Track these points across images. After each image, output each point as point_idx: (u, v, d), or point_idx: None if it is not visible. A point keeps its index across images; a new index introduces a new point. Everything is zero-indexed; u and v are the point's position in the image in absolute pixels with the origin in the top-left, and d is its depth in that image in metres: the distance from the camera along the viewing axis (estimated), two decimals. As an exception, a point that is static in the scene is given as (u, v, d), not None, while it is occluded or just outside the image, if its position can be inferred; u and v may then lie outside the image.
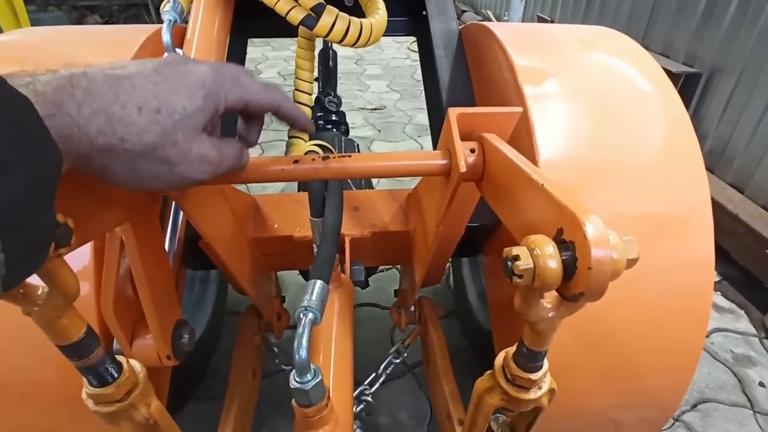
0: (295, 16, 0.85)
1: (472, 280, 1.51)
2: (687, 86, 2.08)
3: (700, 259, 0.71)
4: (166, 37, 0.78)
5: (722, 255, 1.81)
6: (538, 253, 0.33)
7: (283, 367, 1.05)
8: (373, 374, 1.00)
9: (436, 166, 0.55)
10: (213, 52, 0.92)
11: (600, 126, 0.76)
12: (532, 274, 0.32)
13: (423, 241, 0.77)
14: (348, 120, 1.48)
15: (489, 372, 0.50)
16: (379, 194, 0.94)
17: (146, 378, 0.46)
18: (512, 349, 0.46)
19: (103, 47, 0.86)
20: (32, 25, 2.82)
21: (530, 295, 0.36)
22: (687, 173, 0.74)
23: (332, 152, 0.80)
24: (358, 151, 1.33)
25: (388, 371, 1.02)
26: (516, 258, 0.33)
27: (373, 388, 0.97)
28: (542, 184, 0.38)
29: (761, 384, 1.38)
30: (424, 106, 1.20)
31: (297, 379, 0.48)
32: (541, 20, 3.56)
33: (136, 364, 0.45)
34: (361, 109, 3.34)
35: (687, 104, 2.13)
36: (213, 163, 0.38)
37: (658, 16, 2.39)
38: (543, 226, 0.37)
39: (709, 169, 2.04)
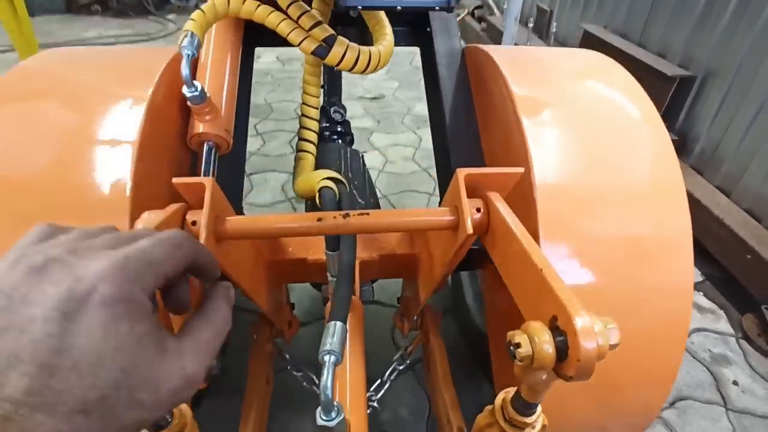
0: (307, 47, 0.88)
1: (469, 282, 1.59)
2: (681, 89, 2.12)
3: (679, 284, 0.79)
4: (185, 72, 0.82)
5: (706, 256, 1.90)
6: (536, 341, 0.39)
7: (294, 372, 1.13)
8: (379, 381, 1.08)
9: (445, 222, 0.61)
10: (225, 76, 0.96)
11: (591, 157, 0.83)
12: (531, 359, 0.39)
13: (428, 269, 0.83)
14: (347, 110, 1.49)
15: (488, 408, 0.57)
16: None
17: (192, 418, 0.53)
18: (511, 391, 0.53)
19: (125, 76, 0.89)
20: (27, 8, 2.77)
21: (528, 370, 0.42)
22: (670, 204, 0.81)
23: (344, 184, 0.85)
24: (363, 161, 1.38)
25: (392, 377, 1.09)
26: (518, 345, 0.39)
27: (379, 395, 1.05)
28: (541, 270, 0.44)
29: (735, 383, 1.49)
30: (423, 95, 1.25)
31: (323, 416, 0.54)
32: (540, 11, 3.55)
33: (184, 408, 0.52)
34: (360, 98, 3.35)
35: (680, 106, 2.19)
36: (197, 357, 0.32)
37: (657, 15, 2.40)
38: (539, 304, 0.44)
39: (699, 171, 2.11)
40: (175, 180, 0.56)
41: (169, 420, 0.50)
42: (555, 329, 0.40)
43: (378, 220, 0.59)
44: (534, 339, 0.39)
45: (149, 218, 0.53)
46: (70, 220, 0.60)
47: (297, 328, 1.21)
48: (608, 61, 1.06)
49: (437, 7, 0.71)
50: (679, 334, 0.81)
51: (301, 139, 1.19)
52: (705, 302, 1.78)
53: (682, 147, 2.20)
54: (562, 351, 0.39)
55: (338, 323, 0.60)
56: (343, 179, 0.86)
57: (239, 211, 1.01)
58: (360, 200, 1.24)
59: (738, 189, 1.92)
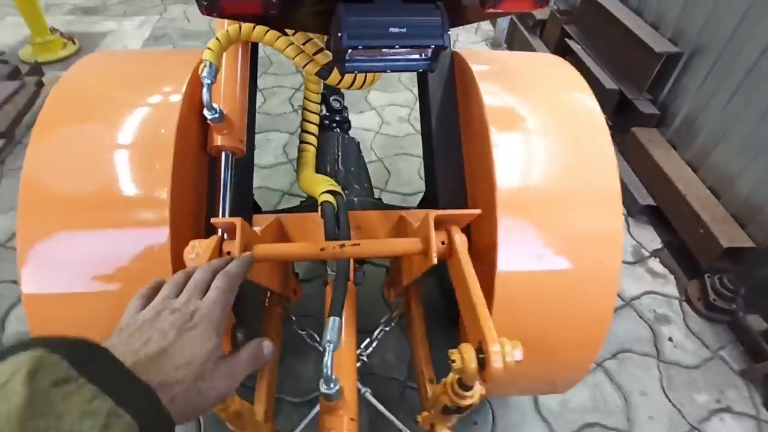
0: (311, 69, 1.02)
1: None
2: (667, 64, 2.20)
3: (607, 271, 0.99)
4: (206, 98, 0.96)
5: (668, 226, 2.11)
6: (466, 359, 0.60)
7: (299, 331, 1.37)
8: (368, 339, 1.33)
9: (417, 250, 0.80)
10: (236, 93, 1.08)
11: (546, 159, 1.00)
12: (462, 370, 0.60)
13: (408, 267, 1.04)
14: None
15: (443, 381, 0.80)
16: (376, 215, 1.18)
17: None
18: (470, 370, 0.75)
19: (157, 89, 1.01)
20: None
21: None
22: (604, 202, 0.99)
23: (341, 195, 1.02)
24: (358, 148, 1.53)
25: (379, 336, 1.34)
26: (453, 360, 0.60)
27: (368, 351, 1.30)
28: (476, 307, 0.64)
29: (670, 339, 1.76)
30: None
31: (324, 386, 0.77)
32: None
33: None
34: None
35: (666, 81, 2.28)
36: (231, 379, 0.49)
37: (657, -19, 2.40)
38: (473, 329, 0.65)
39: (674, 145, 2.25)
40: (213, 220, 0.74)
41: None
42: (479, 350, 0.61)
43: (365, 249, 0.78)
44: (464, 357, 0.60)
45: (197, 247, 0.73)
46: (121, 212, 0.86)
47: (301, 293, 1.43)
48: (561, 61, 1.19)
49: (420, 69, 0.83)
50: (604, 312, 1.03)
51: (303, 131, 1.34)
52: (659, 268, 2.02)
53: (662, 120, 2.32)
54: (482, 365, 0.60)
55: (336, 319, 0.80)
56: (340, 191, 1.03)
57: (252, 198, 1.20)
58: (356, 185, 1.42)
59: (706, 166, 2.08)
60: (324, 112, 1.52)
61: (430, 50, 0.73)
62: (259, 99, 2.83)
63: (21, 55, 3.16)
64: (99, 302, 0.88)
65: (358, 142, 1.54)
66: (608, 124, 2.47)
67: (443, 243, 0.78)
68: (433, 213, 0.77)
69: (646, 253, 2.07)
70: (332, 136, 1.46)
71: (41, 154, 0.92)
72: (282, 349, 1.46)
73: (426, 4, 0.71)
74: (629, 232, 2.17)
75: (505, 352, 0.60)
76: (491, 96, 1.05)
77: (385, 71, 0.82)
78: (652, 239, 2.14)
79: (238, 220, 0.74)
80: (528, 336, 1.00)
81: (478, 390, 0.76)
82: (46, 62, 3.10)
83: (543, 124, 1.04)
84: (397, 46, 0.70)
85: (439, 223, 0.79)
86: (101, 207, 0.89)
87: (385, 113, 2.79)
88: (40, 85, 2.75)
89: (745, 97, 1.90)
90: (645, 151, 2.21)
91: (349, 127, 1.57)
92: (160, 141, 0.91)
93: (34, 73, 2.89)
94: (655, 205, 2.15)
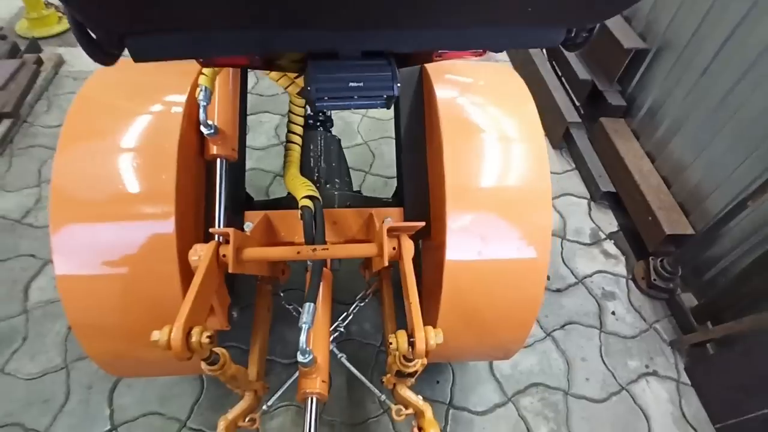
0: (292, 90, 1.19)
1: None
2: (635, 59, 2.34)
3: (537, 263, 1.20)
4: (202, 117, 1.13)
5: (625, 211, 2.32)
6: (400, 342, 0.82)
7: (286, 306, 1.59)
8: (345, 313, 1.56)
9: (374, 253, 1.00)
10: (229, 108, 1.25)
11: (489, 165, 1.20)
12: (397, 350, 0.83)
13: (371, 260, 1.25)
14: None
15: (393, 354, 1.03)
16: (350, 212, 1.38)
17: (229, 356, 0.98)
18: (403, 350, 0.98)
19: (161, 102, 1.18)
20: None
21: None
22: (537, 200, 1.19)
23: (318, 200, 1.21)
24: (339, 144, 1.71)
25: (355, 311, 1.57)
26: (391, 342, 0.83)
27: (345, 323, 1.54)
28: (410, 303, 0.86)
29: (613, 313, 2.01)
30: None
31: (300, 357, 1.00)
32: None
33: (224, 352, 0.96)
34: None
35: (633, 74, 2.42)
36: None
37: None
38: (408, 317, 0.86)
39: (637, 135, 2.42)
40: (212, 230, 0.95)
41: (218, 357, 0.95)
42: (410, 335, 0.83)
43: (332, 252, 0.99)
44: (399, 341, 0.82)
45: (199, 251, 0.93)
46: (134, 208, 1.05)
47: (289, 272, 1.65)
48: (513, 76, 1.37)
49: (378, 106, 1.00)
50: (534, 297, 1.24)
51: (289, 131, 1.52)
52: (613, 249, 2.25)
53: (628, 111, 2.48)
54: (412, 347, 0.82)
55: (311, 305, 1.02)
56: (318, 195, 1.22)
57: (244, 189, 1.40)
58: (336, 180, 1.61)
59: (663, 155, 2.27)
60: (309, 111, 1.68)
61: (384, 96, 0.91)
62: (252, 80, 2.94)
63: (18, 29, 3.22)
64: (116, 283, 1.10)
65: (339, 140, 1.71)
66: (580, 113, 2.64)
67: (394, 248, 0.99)
68: (386, 225, 0.97)
69: (603, 236, 2.30)
70: (315, 135, 1.63)
71: (66, 165, 1.10)
72: (273, 319, 1.69)
73: (380, 60, 0.88)
74: (590, 215, 2.39)
75: (428, 338, 0.82)
76: (446, 108, 1.23)
77: (349, 109, 1.00)
78: (610, 222, 2.36)
79: (231, 230, 0.94)
80: (472, 314, 1.24)
81: (419, 360, 0.99)
82: (42, 37, 3.17)
83: (489, 133, 1.23)
84: (355, 96, 0.87)
85: (392, 231, 1.00)
86: (118, 206, 1.09)
87: (372, 96, 2.91)
88: (39, 62, 2.85)
89: (698, 93, 2.06)
90: (610, 141, 2.39)
91: (332, 125, 1.73)
92: (165, 151, 1.10)
93: (33, 49, 2.98)
94: (615, 192, 2.35)
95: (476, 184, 1.18)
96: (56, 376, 1.68)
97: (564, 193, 2.49)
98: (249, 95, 2.83)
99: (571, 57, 2.65)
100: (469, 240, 1.16)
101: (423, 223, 0.99)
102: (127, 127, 1.14)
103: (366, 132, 2.71)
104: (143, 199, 1.10)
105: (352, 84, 0.86)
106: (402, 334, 0.83)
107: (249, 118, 2.72)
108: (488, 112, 1.28)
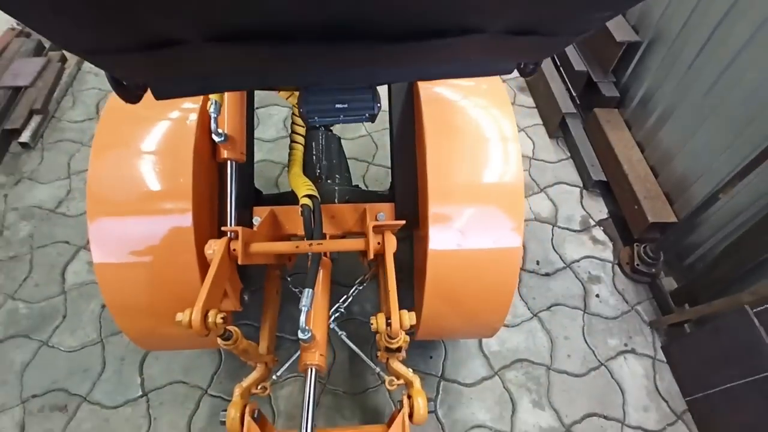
0: (293, 101, 1.34)
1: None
2: (628, 52, 2.41)
3: (510, 252, 1.34)
4: (213, 126, 1.30)
5: (615, 199, 2.43)
6: (380, 323, 1.00)
7: (293, 289, 1.77)
8: (345, 296, 1.74)
9: (361, 247, 1.17)
10: (237, 116, 1.41)
11: (467, 165, 1.34)
12: (377, 330, 1.00)
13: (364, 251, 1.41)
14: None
15: (379, 332, 1.20)
16: (346, 208, 1.54)
17: (241, 333, 1.16)
18: (381, 330, 1.15)
19: (176, 115, 1.35)
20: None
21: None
22: (511, 196, 1.34)
23: (317, 198, 1.37)
24: (339, 142, 1.86)
25: (354, 294, 1.75)
26: (371, 323, 1.00)
27: (345, 304, 1.72)
28: (389, 291, 1.02)
29: (597, 296, 2.16)
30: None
31: (300, 335, 1.18)
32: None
33: (237, 330, 1.15)
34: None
35: (627, 66, 2.49)
36: None
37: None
38: (387, 303, 1.03)
39: (629, 125, 2.51)
40: (223, 228, 1.12)
41: (232, 334, 1.13)
42: (388, 318, 1.00)
43: (326, 246, 1.16)
44: (378, 322, 0.99)
45: (213, 245, 1.11)
46: (157, 205, 1.21)
47: (295, 259, 1.83)
48: (496, 82, 1.49)
49: (363, 121, 1.14)
50: (509, 285, 1.40)
51: (293, 132, 1.68)
52: (601, 236, 2.37)
53: (621, 102, 2.56)
54: (388, 326, 0.99)
55: (309, 290, 1.19)
56: (316, 194, 1.38)
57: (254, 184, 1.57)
58: (336, 175, 1.76)
59: (651, 145, 2.36)
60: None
61: (366, 114, 1.06)
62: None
63: (41, 26, 3.39)
64: (144, 269, 1.28)
65: (339, 138, 1.86)
66: (576, 103, 2.74)
67: (379, 244, 1.15)
68: (372, 223, 1.13)
69: (593, 223, 2.42)
70: (317, 134, 1.78)
71: (99, 170, 1.28)
72: (281, 300, 1.88)
73: (362, 88, 1.02)
74: (581, 203, 2.50)
75: (403, 320, 0.98)
76: (430, 112, 1.37)
77: (339, 121, 1.16)
78: (600, 210, 2.48)
79: (239, 229, 1.11)
80: (455, 297, 1.40)
81: (402, 337, 1.17)
82: (65, 33, 3.34)
83: (468, 135, 1.36)
84: (341, 116, 1.02)
85: (378, 228, 1.16)
86: (143, 204, 1.27)
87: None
88: (63, 60, 3.04)
89: (686, 85, 2.14)
90: (602, 131, 2.48)
91: (331, 125, 1.88)
92: (182, 156, 1.27)
93: (56, 47, 3.16)
94: (606, 180, 2.46)
95: (456, 182, 1.32)
96: (93, 349, 1.91)
97: (558, 181, 2.60)
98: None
99: (569, 48, 2.72)
100: (449, 232, 1.31)
101: (403, 222, 1.14)
102: (149, 136, 1.32)
103: (369, 124, 2.84)
104: (165, 198, 1.28)
105: (338, 105, 1.01)
106: (381, 317, 1.00)
107: (259, 111, 2.88)
108: (469, 115, 1.42)
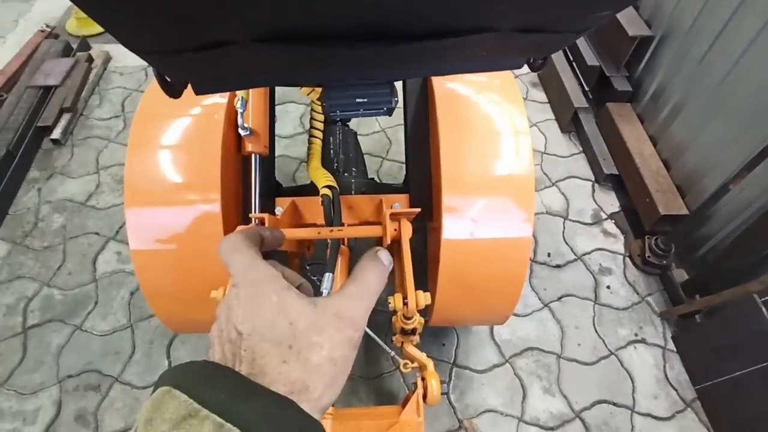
0: (314, 96, 1.41)
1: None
2: (641, 46, 2.43)
3: (521, 241, 1.41)
4: (240, 121, 1.38)
5: (627, 192, 2.46)
6: (397, 302, 1.07)
7: (312, 277, 1.85)
8: (361, 284, 1.81)
9: (379, 234, 1.24)
10: (261, 111, 1.49)
11: (480, 158, 1.40)
12: (395, 309, 1.07)
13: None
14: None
15: (395, 314, 1.27)
16: (363, 199, 1.61)
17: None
18: (399, 308, 1.22)
19: (206, 113, 1.44)
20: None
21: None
22: (522, 188, 1.39)
23: (336, 189, 1.45)
24: (356, 137, 1.94)
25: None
26: (389, 302, 1.07)
27: (361, 292, 1.79)
28: (405, 272, 1.09)
29: (608, 287, 2.20)
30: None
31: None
32: None
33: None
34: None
35: (639, 60, 2.52)
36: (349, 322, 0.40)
37: (643, -41, 2.54)
38: (404, 284, 1.10)
39: (642, 119, 2.53)
40: (251, 215, 1.20)
41: None
42: (405, 298, 1.07)
43: (345, 232, 1.23)
44: (396, 301, 1.07)
45: (243, 228, 1.19)
46: (189, 195, 1.28)
47: (314, 249, 1.91)
48: (508, 78, 1.54)
49: (381, 114, 1.21)
50: (520, 273, 1.46)
51: (311, 127, 1.76)
52: (613, 229, 2.41)
53: (634, 96, 2.58)
54: (404, 305, 1.06)
55: (329, 275, 1.27)
56: (335, 185, 1.46)
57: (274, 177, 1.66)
58: (353, 169, 1.84)
59: (663, 139, 2.38)
60: (329, 108, 1.90)
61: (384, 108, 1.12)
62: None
63: (68, 27, 3.53)
64: (176, 256, 1.37)
65: (356, 132, 1.93)
66: (588, 97, 2.78)
67: (395, 230, 1.22)
68: (389, 210, 1.20)
69: (604, 216, 2.45)
70: (335, 129, 1.86)
71: (135, 164, 1.37)
72: (300, 289, 1.97)
73: (380, 83, 1.09)
74: (593, 197, 2.54)
75: (418, 299, 1.05)
76: (444, 105, 1.43)
77: (358, 115, 1.22)
78: (612, 203, 2.51)
79: (266, 215, 1.19)
80: (467, 284, 1.47)
81: (417, 318, 1.23)
82: (90, 35, 3.48)
83: (481, 128, 1.42)
84: (361, 110, 1.09)
85: (394, 215, 1.23)
86: (176, 194, 1.36)
87: (390, 84, 3.10)
88: (90, 60, 3.16)
89: (697, 78, 2.16)
90: (615, 125, 2.51)
91: (349, 119, 1.95)
92: (210, 149, 1.36)
93: (83, 47, 3.29)
94: (618, 174, 2.49)
95: (469, 174, 1.39)
96: (123, 333, 2.02)
97: (570, 175, 2.64)
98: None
99: (581, 43, 2.75)
100: (462, 222, 1.37)
101: (419, 210, 1.21)
102: (179, 131, 1.41)
103: (383, 120, 2.91)
104: (195, 189, 1.37)
105: (358, 100, 1.08)
106: (398, 296, 1.07)
107: (276, 108, 2.96)
108: (481, 110, 1.48)
